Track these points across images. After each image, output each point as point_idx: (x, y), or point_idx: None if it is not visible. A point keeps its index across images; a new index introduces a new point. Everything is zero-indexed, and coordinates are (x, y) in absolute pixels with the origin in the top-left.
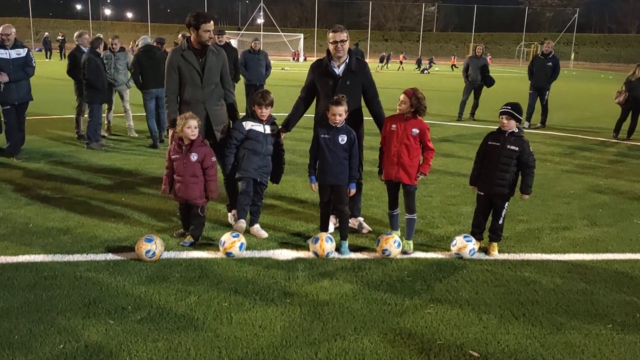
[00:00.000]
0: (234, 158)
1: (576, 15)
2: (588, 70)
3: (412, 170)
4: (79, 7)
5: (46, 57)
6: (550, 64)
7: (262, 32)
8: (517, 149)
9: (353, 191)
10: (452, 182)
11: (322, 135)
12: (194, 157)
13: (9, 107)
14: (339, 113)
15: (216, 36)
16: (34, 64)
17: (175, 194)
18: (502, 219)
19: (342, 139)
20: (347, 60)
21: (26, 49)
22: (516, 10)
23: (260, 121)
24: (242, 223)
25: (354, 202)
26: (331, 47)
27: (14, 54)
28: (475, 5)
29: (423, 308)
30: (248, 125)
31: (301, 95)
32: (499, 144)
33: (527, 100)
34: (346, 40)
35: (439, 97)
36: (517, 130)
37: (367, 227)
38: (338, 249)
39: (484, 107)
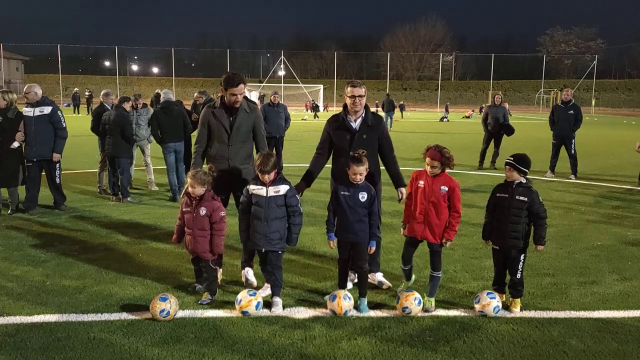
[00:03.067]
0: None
1: (595, 61)
2: (610, 115)
3: (438, 229)
4: (107, 63)
5: (74, 112)
6: (572, 112)
7: (282, 84)
8: (526, 199)
9: (373, 249)
10: (475, 233)
11: (342, 193)
12: (202, 211)
13: (31, 163)
14: (360, 172)
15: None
16: (63, 125)
17: (185, 245)
18: (519, 273)
19: (363, 196)
20: (363, 115)
21: (50, 107)
22: (534, 57)
23: (262, 184)
24: (264, 290)
25: (373, 257)
26: (349, 101)
27: (37, 111)
28: (493, 54)
29: None
30: (251, 189)
31: (318, 152)
32: (507, 195)
33: (551, 150)
34: (364, 96)
35: (458, 145)
36: (524, 181)
37: (386, 283)
38: (356, 307)
39: (506, 155)
